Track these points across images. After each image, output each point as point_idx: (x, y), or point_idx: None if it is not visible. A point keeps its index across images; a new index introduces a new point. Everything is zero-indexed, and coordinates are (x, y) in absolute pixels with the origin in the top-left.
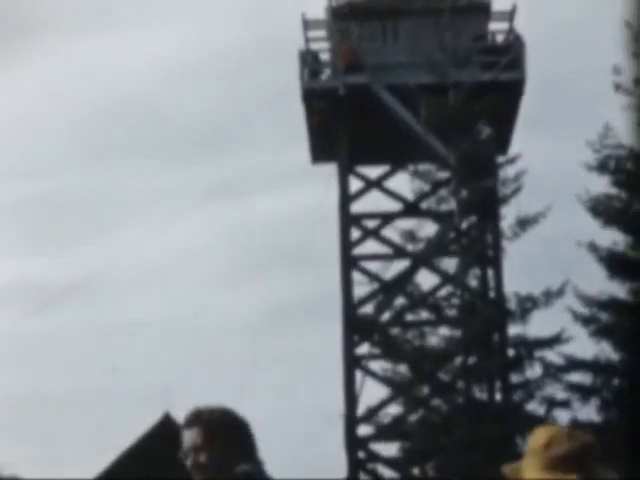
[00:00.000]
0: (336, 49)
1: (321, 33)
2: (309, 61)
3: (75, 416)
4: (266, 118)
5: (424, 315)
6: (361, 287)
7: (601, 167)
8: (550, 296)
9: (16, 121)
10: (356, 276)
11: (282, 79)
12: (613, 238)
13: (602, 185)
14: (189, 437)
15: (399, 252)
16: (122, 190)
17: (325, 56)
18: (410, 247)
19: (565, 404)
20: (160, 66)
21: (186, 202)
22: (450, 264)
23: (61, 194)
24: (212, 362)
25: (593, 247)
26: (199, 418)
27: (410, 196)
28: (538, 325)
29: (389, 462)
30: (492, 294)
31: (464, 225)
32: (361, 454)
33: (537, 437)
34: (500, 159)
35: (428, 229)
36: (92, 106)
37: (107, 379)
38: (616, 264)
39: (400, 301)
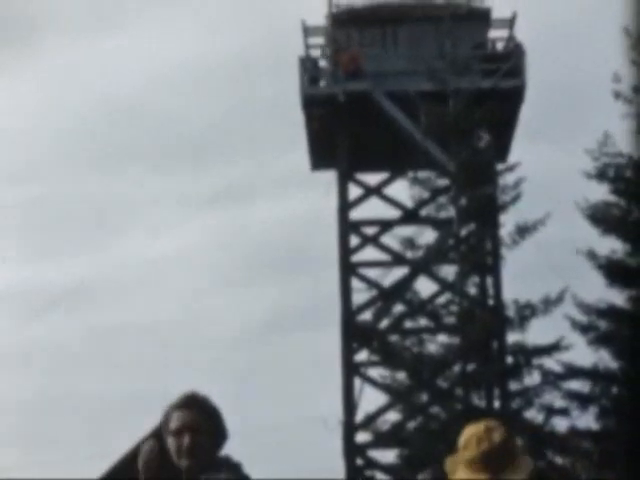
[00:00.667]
0: (337, 56)
1: (321, 40)
2: (309, 68)
3: (73, 420)
4: (266, 124)
5: (423, 322)
6: (360, 294)
7: (600, 175)
8: (549, 304)
9: (15, 125)
10: (355, 283)
11: (282, 85)
12: (612, 246)
13: (601, 193)
14: (187, 417)
15: (398, 259)
16: (121, 195)
17: (325, 62)
18: (409, 254)
19: (564, 412)
20: (161, 72)
21: (185, 208)
22: (449, 271)
23: (60, 199)
24: (210, 367)
25: (592, 255)
26: (197, 401)
27: (409, 203)
28: (537, 333)
29: (387, 469)
30: (491, 301)
31: (463, 232)
32: (359, 461)
33: (460, 438)
34: (499, 166)
35: (427, 236)
36: (91, 111)
37: (106, 383)
38: (615, 272)
39: (399, 308)
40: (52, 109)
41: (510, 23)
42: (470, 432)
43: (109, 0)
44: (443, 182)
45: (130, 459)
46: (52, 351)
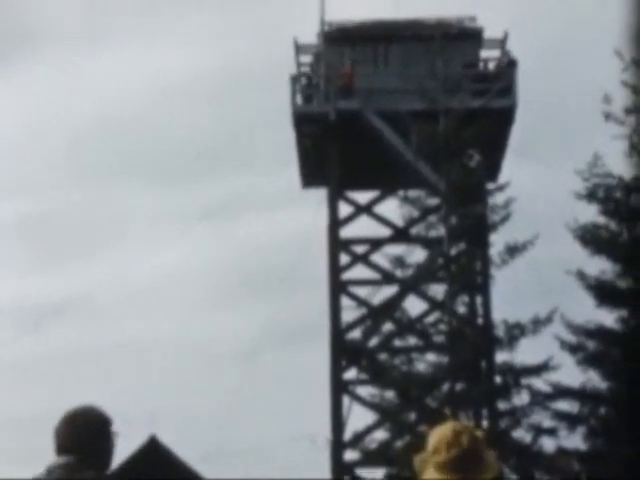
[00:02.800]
0: (331, 72)
1: (313, 57)
2: (300, 85)
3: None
4: (257, 142)
5: (412, 341)
6: (349, 312)
7: (590, 196)
8: (538, 324)
9: (10, 139)
10: (344, 301)
11: (274, 103)
12: (601, 267)
13: (591, 214)
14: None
15: (388, 278)
16: (113, 211)
17: (316, 80)
18: (399, 273)
19: (552, 432)
20: (154, 87)
21: (175, 225)
22: (438, 290)
23: (53, 213)
24: (199, 384)
25: (581, 275)
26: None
27: (399, 222)
28: (526, 353)
29: None
30: (480, 321)
31: (453, 252)
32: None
33: (430, 442)
34: (490, 186)
35: (417, 255)
36: (85, 125)
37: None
38: (604, 293)
39: (388, 327)
40: (46, 123)
41: (501, 43)
42: (439, 436)
43: (105, 15)
44: (433, 201)
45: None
46: (45, 365)
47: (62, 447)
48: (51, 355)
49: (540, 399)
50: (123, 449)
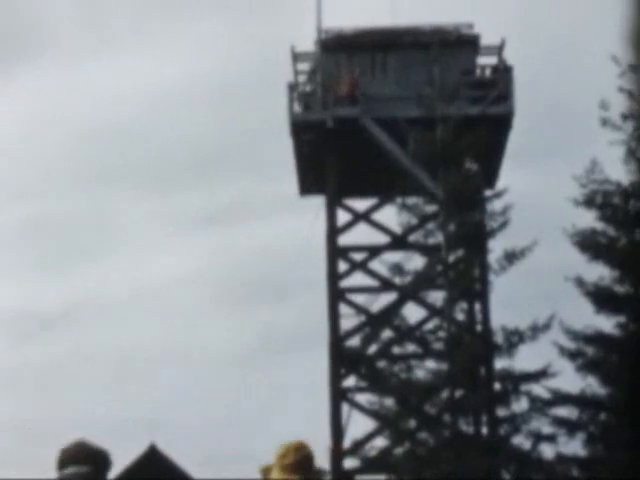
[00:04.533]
0: (331, 80)
1: (310, 65)
2: (298, 93)
3: (59, 445)
4: (255, 149)
5: (411, 348)
6: (348, 319)
7: (588, 202)
8: (536, 330)
9: (6, 146)
10: (343, 308)
11: (272, 110)
12: (600, 273)
13: (589, 220)
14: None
15: (386, 285)
16: (111, 217)
17: (310, 88)
18: (397, 280)
19: (551, 438)
20: (152, 94)
21: (175, 230)
22: (437, 297)
23: (49, 221)
24: (197, 392)
25: (580, 281)
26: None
27: (398, 229)
28: (524, 359)
29: None
30: (479, 328)
31: (451, 258)
32: None
33: (278, 450)
34: (487, 193)
35: (415, 262)
36: (82, 131)
37: (92, 408)
38: (603, 299)
39: (387, 334)
40: (45, 129)
41: (499, 50)
42: (286, 446)
43: (103, 23)
44: (431, 208)
45: None
46: (45, 372)
47: (74, 459)
48: (51, 362)
49: (539, 405)
50: (123, 457)
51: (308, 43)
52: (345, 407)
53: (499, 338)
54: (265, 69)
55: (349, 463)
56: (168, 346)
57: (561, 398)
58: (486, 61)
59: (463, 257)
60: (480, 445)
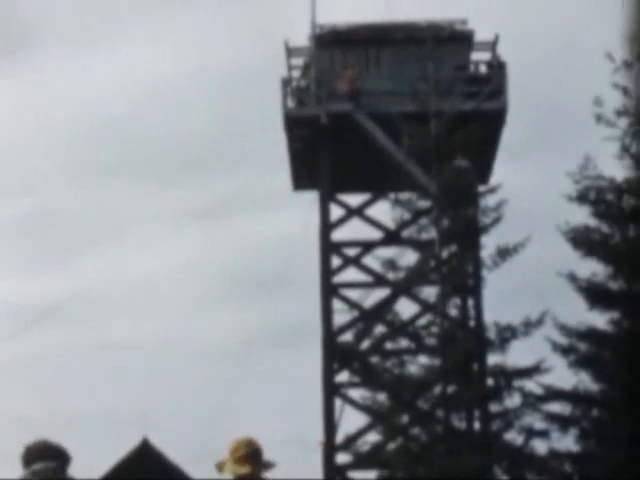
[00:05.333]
0: (329, 76)
1: (304, 61)
2: (291, 88)
3: (56, 439)
4: (249, 144)
5: (404, 343)
6: (341, 315)
7: (582, 198)
8: (529, 326)
9: (3, 138)
10: (336, 304)
11: (265, 105)
12: (593, 269)
13: (582, 216)
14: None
15: (379, 280)
16: (105, 211)
17: (304, 83)
18: (390, 275)
19: (544, 434)
20: (146, 89)
21: (166, 226)
22: (430, 293)
23: (44, 215)
24: (190, 386)
25: (573, 277)
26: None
27: (391, 224)
28: (517, 355)
29: None
30: (472, 323)
31: (444, 254)
32: None
33: (230, 445)
34: (481, 188)
35: (408, 258)
36: (77, 126)
37: (85, 402)
38: (596, 295)
39: (380, 329)
40: (35, 125)
41: (492, 46)
42: (237, 441)
43: (100, 16)
44: (425, 204)
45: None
46: (38, 365)
47: (41, 455)
48: (43, 355)
49: (532, 401)
50: (115, 451)
51: (302, 38)
52: (338, 402)
53: (492, 334)
54: (259, 64)
55: (341, 458)
56: (161, 340)
57: (554, 394)
58: (480, 57)
59: (456, 253)
60: (473, 441)
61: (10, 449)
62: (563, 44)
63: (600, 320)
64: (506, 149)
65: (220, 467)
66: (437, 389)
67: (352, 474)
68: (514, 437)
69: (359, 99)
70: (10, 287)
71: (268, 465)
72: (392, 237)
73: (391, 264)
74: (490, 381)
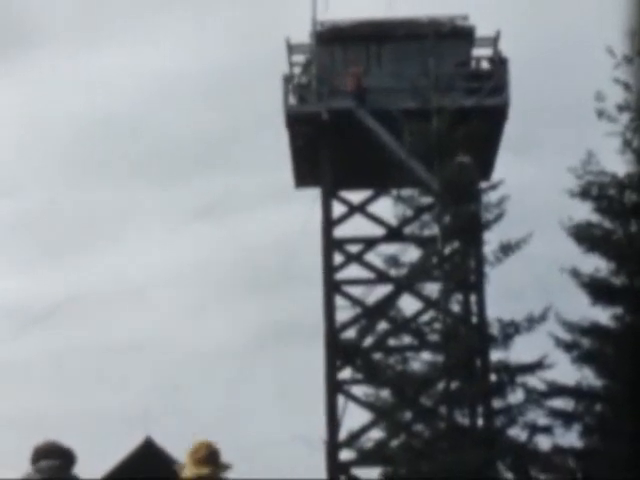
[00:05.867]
0: (343, 72)
1: (305, 57)
2: (293, 85)
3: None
4: (250, 141)
5: (406, 340)
6: (344, 312)
7: (584, 193)
8: (532, 322)
9: (2, 138)
10: (339, 301)
11: (267, 102)
12: (596, 264)
13: (585, 211)
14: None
15: (382, 277)
16: (106, 210)
17: (306, 80)
18: (393, 272)
19: (547, 430)
20: (147, 87)
21: (168, 224)
22: (433, 289)
23: (43, 214)
24: (193, 385)
25: (576, 273)
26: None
27: (393, 221)
28: (520, 351)
29: None
30: (474, 319)
31: (447, 250)
32: (343, 479)
33: (190, 448)
34: (483, 185)
35: (411, 254)
36: (76, 124)
37: (88, 402)
38: (599, 290)
39: (383, 326)
40: (40, 122)
41: (494, 41)
42: (197, 443)
43: (101, 15)
44: (427, 200)
45: None
46: (40, 365)
47: (46, 454)
48: (45, 355)
49: (535, 397)
50: (119, 450)
51: (303, 35)
52: (341, 399)
53: (495, 330)
54: (260, 61)
55: (345, 455)
56: (164, 339)
57: (557, 390)
58: (481, 53)
59: (459, 249)
60: (476, 437)
61: (10, 449)
62: (564, 40)
63: (603, 316)
64: (508, 145)
65: (181, 469)
66: (440, 385)
67: (356, 471)
68: (517, 433)
69: (365, 97)
70: (10, 287)
71: (226, 467)
72: (394, 234)
73: (393, 261)
74: (493, 377)
